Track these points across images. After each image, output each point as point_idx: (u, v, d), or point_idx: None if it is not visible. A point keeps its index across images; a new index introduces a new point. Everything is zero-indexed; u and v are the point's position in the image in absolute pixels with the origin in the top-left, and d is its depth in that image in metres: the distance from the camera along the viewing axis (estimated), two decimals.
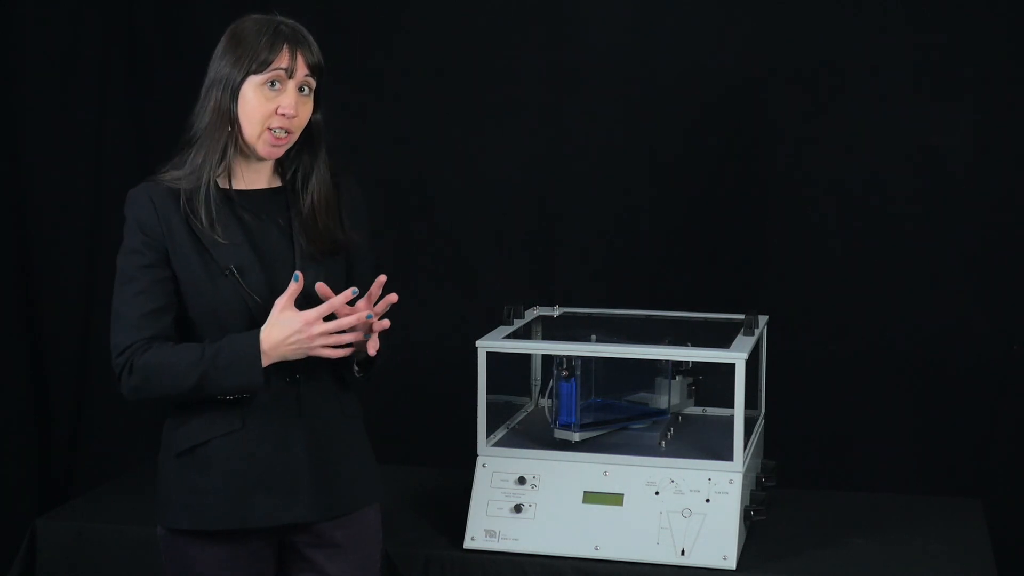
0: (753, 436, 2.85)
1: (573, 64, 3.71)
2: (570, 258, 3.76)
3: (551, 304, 3.17)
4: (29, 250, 3.88)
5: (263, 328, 2.17)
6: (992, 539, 2.85)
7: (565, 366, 2.80)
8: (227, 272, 2.22)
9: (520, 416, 3.05)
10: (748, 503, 2.69)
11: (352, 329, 2.18)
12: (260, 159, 2.28)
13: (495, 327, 2.90)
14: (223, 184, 2.26)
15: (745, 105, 3.61)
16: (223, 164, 2.25)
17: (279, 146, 2.25)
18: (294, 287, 2.17)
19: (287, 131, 2.24)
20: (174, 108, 3.90)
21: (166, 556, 2.30)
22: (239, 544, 2.26)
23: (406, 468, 3.33)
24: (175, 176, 2.25)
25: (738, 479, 2.63)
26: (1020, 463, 3.49)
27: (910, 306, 3.54)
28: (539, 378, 3.15)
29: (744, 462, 2.65)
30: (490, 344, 2.77)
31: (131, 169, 3.96)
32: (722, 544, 2.59)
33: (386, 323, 2.19)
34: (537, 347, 3.04)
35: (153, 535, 2.30)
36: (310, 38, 2.27)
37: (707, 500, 2.62)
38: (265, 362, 2.16)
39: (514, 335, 2.89)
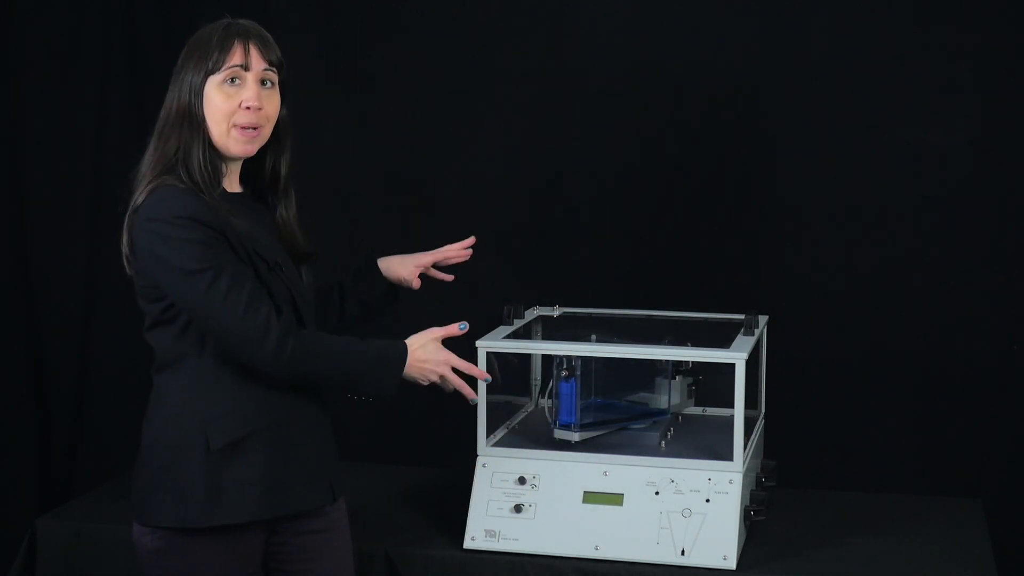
0: (753, 436, 2.85)
1: (573, 64, 3.70)
2: (570, 258, 3.75)
3: (551, 304, 3.16)
4: (29, 250, 3.88)
5: (410, 343, 2.32)
6: (992, 539, 2.84)
7: (565, 366, 2.80)
8: (274, 265, 2.27)
9: (520, 416, 3.05)
10: (748, 503, 2.69)
11: None
12: (234, 159, 2.29)
13: (495, 327, 2.90)
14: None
15: (746, 104, 3.60)
16: (224, 167, 2.29)
17: (251, 141, 2.27)
18: (456, 331, 2.38)
19: (254, 126, 2.25)
20: None
21: (165, 560, 2.27)
22: (247, 539, 2.27)
23: (406, 468, 3.33)
24: (177, 181, 2.24)
25: (738, 479, 2.63)
26: (1020, 463, 3.49)
27: (910, 306, 3.54)
28: (539, 378, 3.15)
29: (744, 462, 2.65)
30: (490, 344, 2.76)
31: (131, 169, 3.95)
32: (722, 544, 2.59)
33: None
34: (537, 347, 3.03)
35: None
36: (266, 35, 2.30)
37: (707, 500, 2.62)
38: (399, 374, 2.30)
39: (514, 335, 2.89)
